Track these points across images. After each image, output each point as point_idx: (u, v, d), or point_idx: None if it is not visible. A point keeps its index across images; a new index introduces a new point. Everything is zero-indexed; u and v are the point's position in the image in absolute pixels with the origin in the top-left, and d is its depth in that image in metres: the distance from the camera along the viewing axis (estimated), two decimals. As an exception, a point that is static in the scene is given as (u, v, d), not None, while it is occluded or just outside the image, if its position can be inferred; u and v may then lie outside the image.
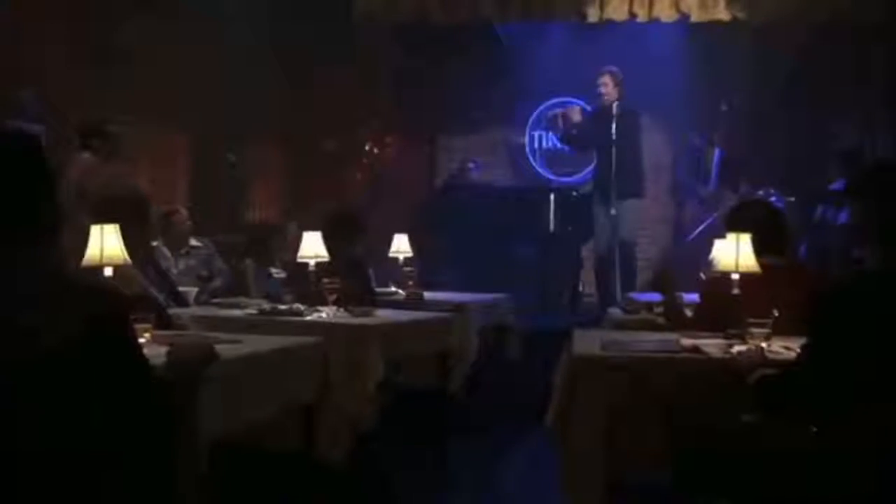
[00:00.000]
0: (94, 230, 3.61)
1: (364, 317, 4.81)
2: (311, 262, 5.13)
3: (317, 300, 4.95)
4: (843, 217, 8.38)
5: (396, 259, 6.55)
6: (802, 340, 3.28)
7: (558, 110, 8.63)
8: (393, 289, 6.30)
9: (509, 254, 8.54)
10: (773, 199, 8.08)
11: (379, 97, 9.65)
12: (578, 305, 8.63)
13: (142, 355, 2.43)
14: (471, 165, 9.69)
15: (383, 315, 4.99)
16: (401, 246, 6.62)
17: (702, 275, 5.33)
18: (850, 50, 8.90)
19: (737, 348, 3.49)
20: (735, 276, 3.82)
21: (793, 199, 8.24)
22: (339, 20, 8.90)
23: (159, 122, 8.09)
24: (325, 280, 4.93)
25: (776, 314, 3.62)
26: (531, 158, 10.53)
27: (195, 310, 5.10)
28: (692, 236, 8.65)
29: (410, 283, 6.25)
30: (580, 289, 8.88)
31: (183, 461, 2.71)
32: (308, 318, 4.78)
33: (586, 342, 3.79)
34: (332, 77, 9.07)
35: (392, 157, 9.88)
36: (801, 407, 2.89)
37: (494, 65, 9.32)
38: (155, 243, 6.72)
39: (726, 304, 3.85)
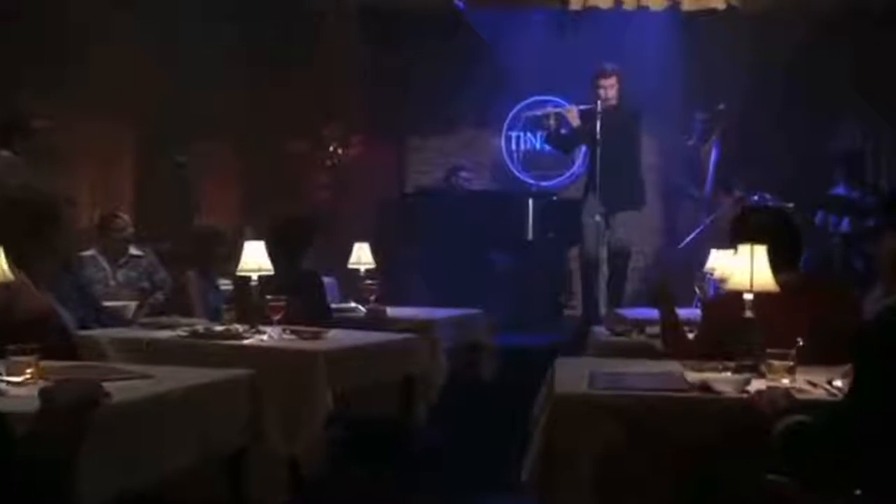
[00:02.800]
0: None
1: (313, 339, 4.33)
2: (254, 276, 4.59)
3: (261, 319, 4.44)
4: (845, 224, 7.98)
5: (357, 271, 6.05)
6: (831, 373, 2.97)
7: (550, 109, 8.02)
8: (353, 304, 5.91)
9: (483, 264, 8.15)
10: (769, 203, 7.62)
11: (344, 95, 9.18)
12: (560, 321, 8.19)
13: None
14: (462, 174, 9.17)
15: (336, 336, 4.49)
16: (361, 256, 6.10)
17: (696, 289, 5.06)
18: (851, 45, 8.60)
19: (755, 385, 2.94)
20: (749, 297, 3.21)
21: (791, 204, 7.72)
22: (301, 15, 8.63)
23: (102, 120, 7.64)
24: (269, 297, 4.44)
25: (800, 342, 3.06)
26: (508, 161, 10.06)
27: (115, 332, 4.52)
28: (685, 242, 8.16)
29: (372, 297, 5.76)
30: (562, 302, 8.50)
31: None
32: (247, 341, 4.28)
33: (570, 375, 3.22)
34: (294, 74, 8.63)
35: (358, 158, 9.43)
36: (843, 466, 2.37)
37: (467, 59, 8.84)
38: (90, 252, 6.36)
39: (736, 328, 3.31)
